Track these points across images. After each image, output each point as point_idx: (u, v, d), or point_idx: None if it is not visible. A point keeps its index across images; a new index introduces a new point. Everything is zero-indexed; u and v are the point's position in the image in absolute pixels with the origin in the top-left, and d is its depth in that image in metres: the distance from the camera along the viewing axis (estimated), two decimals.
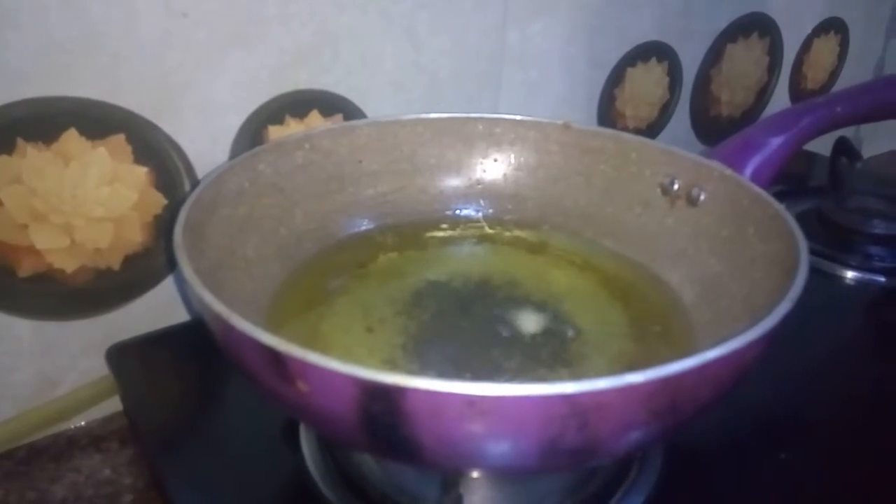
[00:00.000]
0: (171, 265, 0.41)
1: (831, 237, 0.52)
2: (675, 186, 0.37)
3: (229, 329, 0.22)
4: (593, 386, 0.19)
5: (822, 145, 0.59)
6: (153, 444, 0.34)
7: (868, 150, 0.66)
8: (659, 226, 0.37)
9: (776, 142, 0.40)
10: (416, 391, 0.20)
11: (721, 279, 0.33)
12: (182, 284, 0.41)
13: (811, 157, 0.66)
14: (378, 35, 0.43)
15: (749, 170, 0.38)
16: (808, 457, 0.34)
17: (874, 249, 0.52)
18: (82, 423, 0.40)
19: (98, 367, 0.39)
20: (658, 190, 0.38)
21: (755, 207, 0.32)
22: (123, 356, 0.39)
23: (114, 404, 0.40)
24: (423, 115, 0.40)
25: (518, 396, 0.20)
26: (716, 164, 0.35)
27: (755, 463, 0.34)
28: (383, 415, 0.21)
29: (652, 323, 0.34)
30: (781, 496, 0.32)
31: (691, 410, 0.23)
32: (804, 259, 0.27)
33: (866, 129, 0.76)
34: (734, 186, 0.34)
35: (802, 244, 0.28)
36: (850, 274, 0.50)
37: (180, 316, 0.42)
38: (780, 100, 0.72)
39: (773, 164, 0.39)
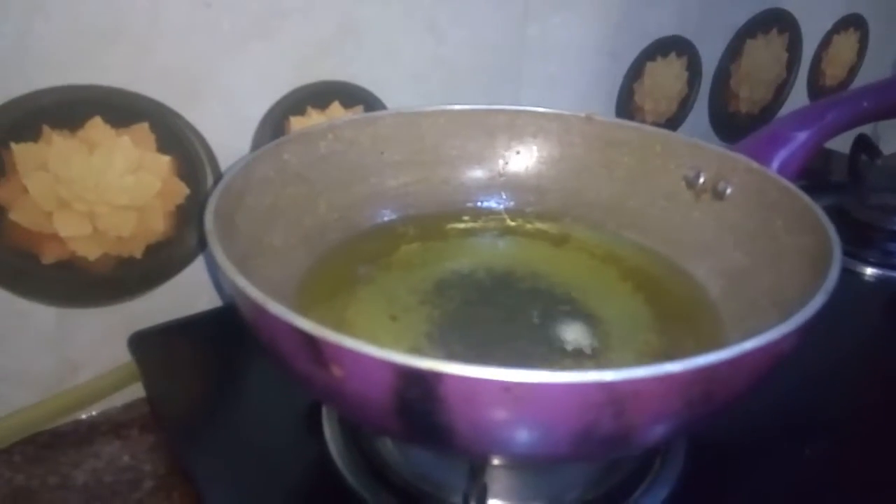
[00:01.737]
0: (194, 254, 0.41)
1: (851, 234, 0.51)
2: (701, 179, 0.37)
3: (264, 314, 0.22)
4: (632, 374, 0.19)
5: (839, 143, 0.59)
6: (176, 431, 0.35)
7: (886, 148, 0.65)
8: (684, 219, 0.37)
9: (802, 136, 0.39)
10: (452, 377, 0.20)
11: (748, 272, 0.33)
12: (213, 270, 0.41)
13: (829, 153, 0.66)
14: (399, 27, 0.43)
15: (776, 164, 0.38)
16: (831, 453, 0.34)
17: (894, 246, 0.51)
18: (103, 409, 0.40)
19: (120, 355, 0.40)
20: (682, 183, 0.37)
21: (783, 200, 0.32)
22: (146, 344, 0.39)
23: (134, 391, 0.41)
24: (446, 107, 0.40)
25: (555, 383, 0.20)
26: (742, 157, 0.35)
27: (778, 458, 0.33)
28: (418, 400, 0.21)
29: (676, 315, 0.34)
30: (804, 492, 0.32)
31: (725, 401, 0.22)
32: (837, 251, 0.27)
33: (884, 126, 0.76)
34: (762, 179, 0.34)
35: (834, 236, 0.28)
36: (869, 270, 0.49)
37: (202, 304, 0.42)
38: (798, 96, 0.72)
39: (799, 159, 0.38)
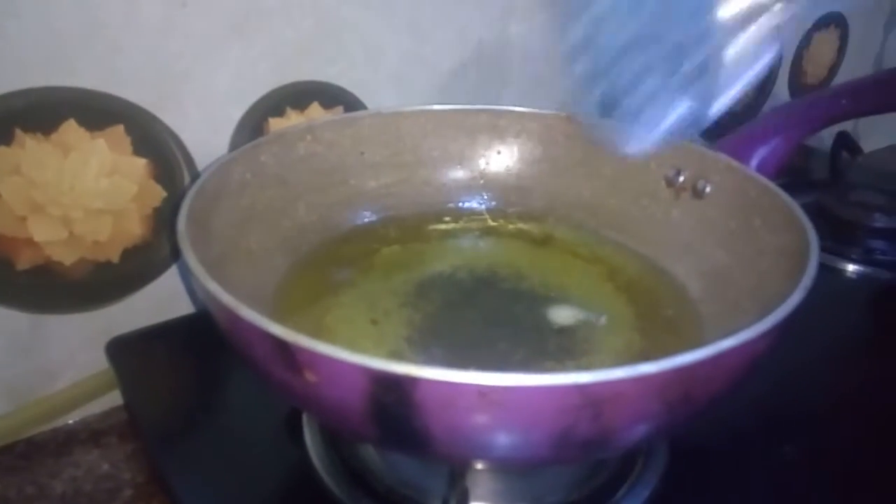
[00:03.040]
0: (172, 258, 0.40)
1: (832, 231, 0.52)
2: (681, 178, 0.36)
3: (236, 320, 0.22)
4: (608, 376, 0.19)
5: (820, 140, 0.59)
6: (154, 438, 0.34)
7: (866, 145, 0.66)
8: (664, 218, 0.37)
9: (781, 133, 0.40)
10: (427, 381, 0.19)
11: (728, 271, 0.33)
12: (186, 275, 0.41)
13: (810, 151, 0.66)
14: (380, 27, 0.43)
15: (755, 162, 0.38)
16: (812, 450, 0.34)
17: (875, 243, 0.52)
18: (81, 417, 0.40)
19: (97, 361, 0.39)
20: (663, 182, 0.37)
21: (763, 199, 0.32)
22: (123, 350, 0.38)
23: (112, 399, 0.40)
24: (427, 107, 0.40)
25: (531, 386, 0.19)
26: (722, 156, 0.35)
27: (759, 456, 0.33)
28: (394, 405, 0.20)
29: (658, 315, 0.34)
30: (785, 489, 0.32)
31: (704, 401, 0.22)
32: (814, 248, 0.27)
33: (864, 123, 0.76)
34: (741, 178, 0.34)
35: (812, 234, 0.28)
36: (851, 267, 0.50)
37: (180, 309, 0.41)
38: (780, 94, 0.72)
39: (778, 157, 0.38)
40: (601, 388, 0.19)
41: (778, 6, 0.30)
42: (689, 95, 0.31)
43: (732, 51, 0.30)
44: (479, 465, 0.27)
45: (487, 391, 0.19)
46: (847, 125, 0.61)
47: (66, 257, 0.37)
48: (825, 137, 0.58)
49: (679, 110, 0.31)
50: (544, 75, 0.52)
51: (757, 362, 0.23)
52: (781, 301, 0.24)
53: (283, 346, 0.21)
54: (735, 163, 0.35)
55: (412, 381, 0.19)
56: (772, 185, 0.32)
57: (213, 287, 0.22)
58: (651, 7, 0.32)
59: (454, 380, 0.19)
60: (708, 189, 0.35)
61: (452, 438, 0.21)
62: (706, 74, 0.31)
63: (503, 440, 0.21)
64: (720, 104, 0.31)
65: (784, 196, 0.31)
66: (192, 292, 0.41)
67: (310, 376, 0.21)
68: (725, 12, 0.30)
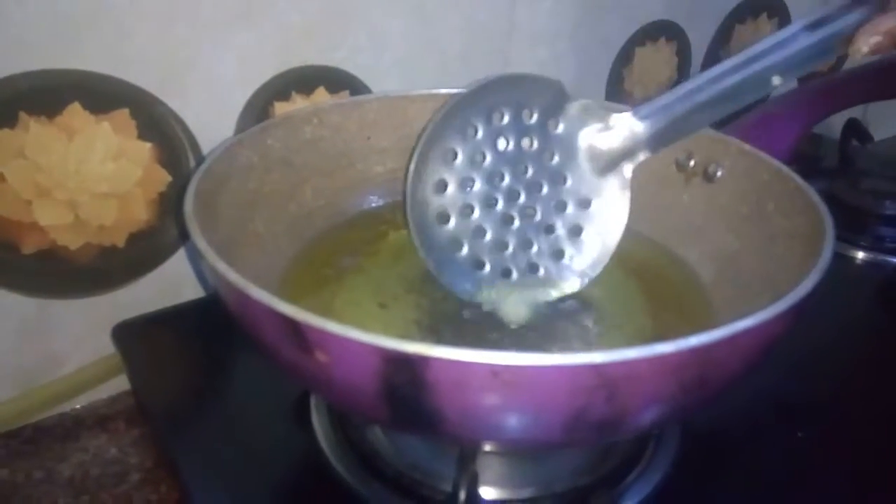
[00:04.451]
0: (177, 243, 0.40)
1: (842, 219, 0.50)
2: (692, 162, 0.36)
3: (246, 300, 0.22)
4: (623, 356, 0.19)
5: (829, 127, 0.58)
6: (161, 423, 0.34)
7: (876, 133, 0.65)
8: (675, 203, 0.36)
9: (792, 118, 0.39)
10: (440, 361, 0.19)
11: (740, 256, 0.32)
12: (195, 260, 0.41)
13: (819, 138, 0.66)
14: (387, 12, 0.43)
15: (765, 146, 0.38)
16: (823, 435, 0.34)
17: (886, 231, 0.51)
18: (88, 402, 0.40)
19: (103, 346, 0.39)
20: (673, 166, 0.37)
21: (775, 182, 0.32)
22: (130, 334, 0.38)
23: (119, 383, 0.40)
24: (433, 91, 0.40)
25: (545, 366, 0.19)
26: (733, 140, 0.35)
27: (771, 442, 0.33)
28: (406, 385, 0.20)
29: (669, 300, 0.33)
30: (798, 474, 0.32)
31: (719, 384, 0.22)
32: (830, 229, 0.27)
33: (874, 112, 0.75)
34: (753, 162, 0.33)
35: (827, 215, 0.28)
36: (861, 255, 0.49)
37: (187, 294, 0.41)
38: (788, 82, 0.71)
39: (789, 141, 0.38)
40: (616, 368, 0.19)
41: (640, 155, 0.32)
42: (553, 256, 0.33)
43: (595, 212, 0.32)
44: (491, 448, 0.27)
45: (501, 370, 0.19)
46: (857, 113, 0.61)
47: (71, 242, 0.36)
48: (835, 125, 0.57)
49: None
50: (548, 60, 0.52)
51: (773, 346, 0.23)
52: (795, 285, 0.23)
53: (294, 326, 0.20)
54: (747, 146, 0.34)
55: (425, 361, 0.19)
56: (785, 169, 0.32)
57: (223, 268, 0.22)
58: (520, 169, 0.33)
59: (467, 359, 0.19)
60: (719, 173, 0.35)
61: (464, 419, 0.21)
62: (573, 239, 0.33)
63: (516, 421, 0.21)
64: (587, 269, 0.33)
65: (797, 179, 0.31)
66: (200, 275, 0.41)
67: (321, 356, 0.21)
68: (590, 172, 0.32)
